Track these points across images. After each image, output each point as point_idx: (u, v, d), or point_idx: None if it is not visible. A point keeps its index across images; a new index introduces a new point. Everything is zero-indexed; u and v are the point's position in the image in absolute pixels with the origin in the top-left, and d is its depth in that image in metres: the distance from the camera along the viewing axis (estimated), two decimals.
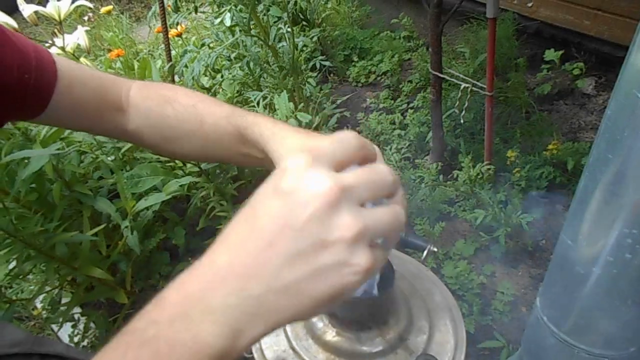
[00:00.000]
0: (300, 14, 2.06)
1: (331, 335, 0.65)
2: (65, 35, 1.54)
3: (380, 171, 0.33)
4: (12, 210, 0.98)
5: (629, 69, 0.55)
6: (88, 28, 1.84)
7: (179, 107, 0.67)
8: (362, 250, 0.30)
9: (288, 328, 0.69)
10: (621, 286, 0.66)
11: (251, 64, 1.14)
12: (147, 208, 1.25)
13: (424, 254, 0.82)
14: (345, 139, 0.34)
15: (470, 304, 1.28)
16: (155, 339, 0.30)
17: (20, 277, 1.07)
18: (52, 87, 0.61)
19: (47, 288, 1.15)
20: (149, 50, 2.57)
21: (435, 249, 0.84)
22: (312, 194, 0.30)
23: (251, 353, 0.85)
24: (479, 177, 1.52)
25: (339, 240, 0.30)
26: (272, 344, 0.68)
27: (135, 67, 1.86)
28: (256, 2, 1.06)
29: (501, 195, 1.52)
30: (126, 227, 1.10)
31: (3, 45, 0.57)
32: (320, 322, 0.66)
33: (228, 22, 1.18)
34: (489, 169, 1.52)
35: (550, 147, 1.65)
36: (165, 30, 1.21)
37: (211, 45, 1.08)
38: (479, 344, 1.22)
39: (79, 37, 1.62)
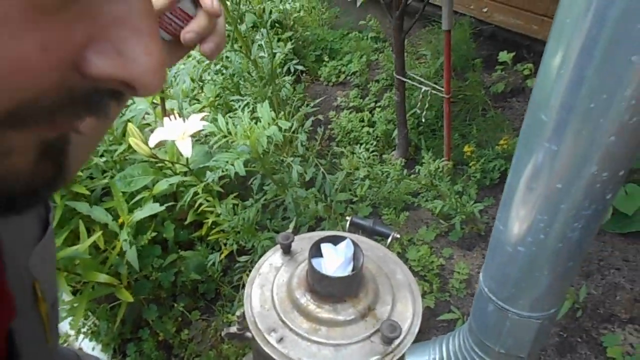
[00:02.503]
0: (276, 22, 2.19)
1: (313, 307, 0.80)
2: None
3: None
4: None
5: (535, 92, 0.72)
6: None
7: None
8: None
9: (277, 304, 0.83)
10: (539, 261, 0.83)
11: (235, 76, 1.27)
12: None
13: (388, 240, 0.98)
14: None
15: (431, 283, 1.46)
16: None
17: None
18: None
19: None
20: None
21: (398, 236, 1.01)
22: None
23: (243, 328, 0.99)
24: (438, 171, 1.70)
25: None
26: (264, 316, 0.82)
27: None
28: (238, 21, 1.19)
29: (458, 186, 1.71)
30: (125, 240, 1.22)
31: None
32: (303, 298, 0.81)
33: None
34: (447, 164, 1.70)
35: (502, 142, 1.84)
36: None
37: (199, 59, 1.20)
38: (438, 316, 1.41)
39: None
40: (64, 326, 1.50)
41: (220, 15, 0.44)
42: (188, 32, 0.43)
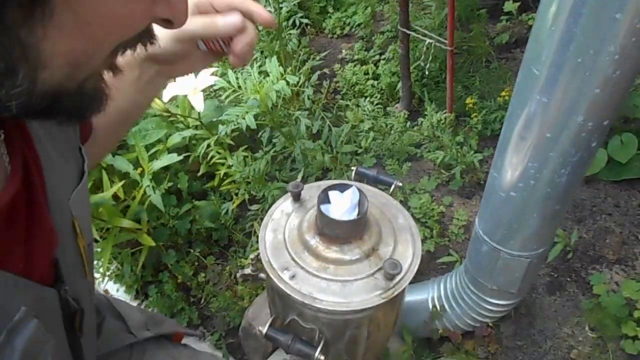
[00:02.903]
0: None
1: (322, 248, 0.87)
2: None
3: None
4: None
5: (529, 47, 0.77)
6: None
7: None
8: None
9: (289, 246, 0.91)
10: (529, 204, 0.91)
11: None
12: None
13: (391, 189, 1.05)
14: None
15: (431, 228, 1.55)
16: None
17: None
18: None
19: None
20: None
21: (401, 184, 1.07)
22: None
23: (257, 270, 1.08)
24: (441, 122, 1.75)
25: None
26: (277, 257, 0.90)
27: None
28: None
29: (460, 137, 1.76)
30: (147, 186, 1.29)
31: None
32: (313, 240, 0.89)
33: None
34: (449, 115, 1.74)
35: (503, 93, 1.88)
36: None
37: None
38: (438, 259, 1.50)
39: None
40: None
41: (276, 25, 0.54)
42: (246, 46, 0.54)
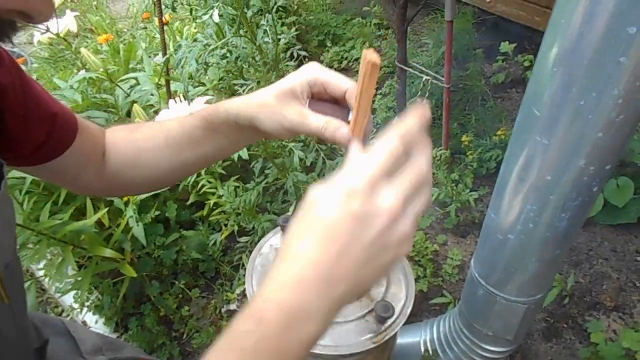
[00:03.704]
0: (280, 7, 2.20)
1: None
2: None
3: (423, 172, 0.40)
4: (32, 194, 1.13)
5: (530, 87, 0.76)
6: (77, 13, 1.93)
7: (146, 129, 0.67)
8: (410, 241, 0.40)
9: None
10: (528, 248, 0.88)
11: (239, 60, 1.30)
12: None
13: None
14: (393, 149, 0.39)
15: (424, 267, 1.51)
16: (267, 351, 0.36)
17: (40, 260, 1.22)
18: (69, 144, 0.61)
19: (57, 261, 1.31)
20: (129, 31, 2.65)
21: None
22: (379, 215, 0.37)
23: (242, 306, 1.03)
24: (436, 159, 1.74)
25: (398, 244, 0.39)
26: None
27: (121, 50, 1.97)
28: (245, 7, 1.21)
29: (455, 175, 1.74)
30: (131, 217, 1.25)
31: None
32: None
33: (216, 19, 1.32)
34: (444, 152, 1.73)
35: (499, 132, 1.87)
36: (161, 24, 1.34)
37: (205, 43, 1.22)
38: (431, 300, 1.45)
39: (68, 22, 1.72)
40: (69, 299, 1.54)
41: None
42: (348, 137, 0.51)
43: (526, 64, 2.23)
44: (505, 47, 2.25)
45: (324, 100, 0.55)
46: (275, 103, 0.54)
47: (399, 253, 0.40)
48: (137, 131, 0.67)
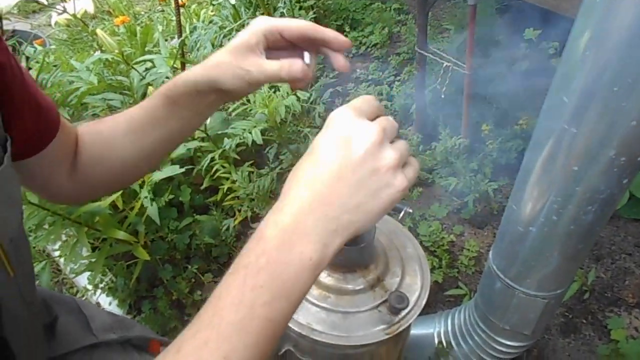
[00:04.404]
0: None
1: (323, 275, 0.82)
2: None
3: (392, 120, 0.45)
4: None
5: (558, 73, 0.72)
6: None
7: (109, 120, 0.65)
8: (400, 174, 0.42)
9: None
10: (550, 242, 0.84)
11: None
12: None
13: (400, 215, 1.00)
14: (371, 100, 0.45)
15: (440, 258, 1.48)
16: (268, 264, 0.38)
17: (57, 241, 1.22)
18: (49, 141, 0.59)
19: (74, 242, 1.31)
20: (147, 13, 2.63)
21: (411, 210, 1.01)
22: (365, 137, 0.41)
23: None
24: (455, 148, 1.70)
25: (386, 167, 0.41)
26: None
27: (138, 33, 1.96)
28: None
29: (474, 164, 1.70)
30: (145, 197, 1.25)
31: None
32: None
33: (233, 1, 1.30)
34: (464, 141, 1.69)
35: (521, 121, 1.82)
36: (177, 7, 1.32)
37: (220, 25, 1.19)
38: (446, 291, 1.43)
39: (85, 3, 1.71)
40: (83, 280, 1.55)
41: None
42: (300, 82, 0.57)
43: (551, 51, 2.15)
44: (530, 33, 2.17)
45: (282, 49, 0.57)
46: (232, 59, 0.55)
47: (393, 183, 0.41)
48: (101, 123, 0.65)
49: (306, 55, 0.57)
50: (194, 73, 0.58)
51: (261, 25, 0.55)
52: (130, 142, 0.63)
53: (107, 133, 0.64)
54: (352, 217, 0.40)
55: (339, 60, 0.57)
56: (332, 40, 0.55)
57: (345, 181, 0.40)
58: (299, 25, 0.55)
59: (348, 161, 0.40)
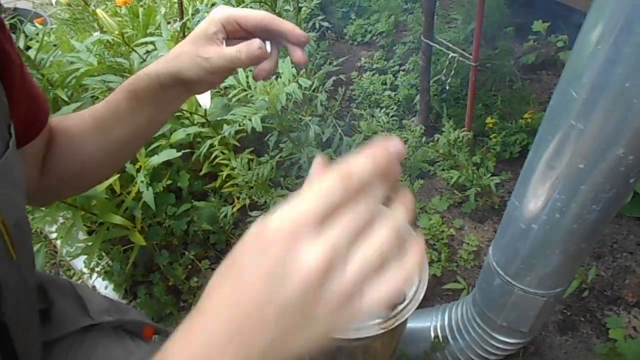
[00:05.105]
0: None
1: None
2: None
3: (379, 234, 0.31)
4: None
5: (568, 66, 0.69)
6: None
7: (76, 116, 0.64)
8: (352, 305, 0.30)
9: None
10: (552, 239, 0.83)
11: None
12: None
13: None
14: (328, 191, 0.30)
15: (439, 252, 1.46)
16: None
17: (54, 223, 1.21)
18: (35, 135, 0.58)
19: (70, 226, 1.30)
20: None
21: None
22: (298, 273, 0.29)
23: None
24: (458, 140, 1.67)
25: (322, 311, 0.30)
26: None
27: (140, 14, 1.92)
28: None
29: (477, 158, 1.68)
30: (142, 181, 1.23)
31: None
32: None
33: None
34: (467, 134, 1.66)
35: (526, 115, 1.79)
36: None
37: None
38: (444, 285, 1.42)
39: None
40: (79, 264, 1.55)
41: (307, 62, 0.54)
42: (263, 71, 0.58)
43: (560, 44, 2.12)
44: (538, 25, 2.14)
45: (242, 39, 0.56)
46: (191, 49, 0.56)
47: (336, 322, 0.31)
48: (68, 119, 0.64)
49: (267, 43, 0.57)
50: (155, 66, 0.58)
51: (219, 14, 0.56)
52: (94, 139, 0.62)
53: (73, 129, 0.63)
54: (276, 356, 0.31)
55: (297, 53, 0.57)
56: (289, 33, 0.56)
57: (266, 321, 0.30)
58: (256, 15, 0.55)
59: (272, 301, 0.30)
